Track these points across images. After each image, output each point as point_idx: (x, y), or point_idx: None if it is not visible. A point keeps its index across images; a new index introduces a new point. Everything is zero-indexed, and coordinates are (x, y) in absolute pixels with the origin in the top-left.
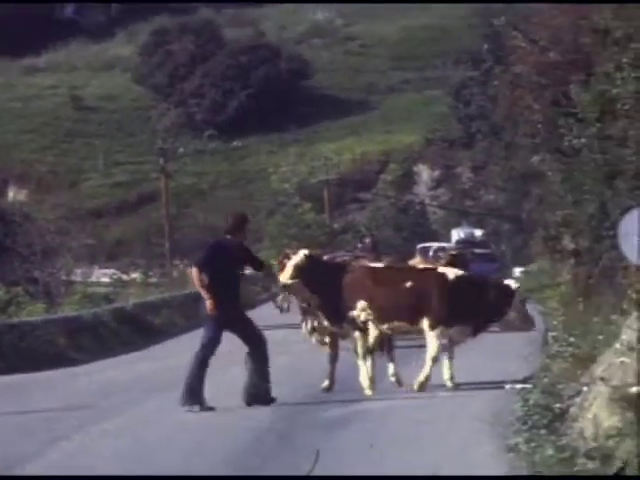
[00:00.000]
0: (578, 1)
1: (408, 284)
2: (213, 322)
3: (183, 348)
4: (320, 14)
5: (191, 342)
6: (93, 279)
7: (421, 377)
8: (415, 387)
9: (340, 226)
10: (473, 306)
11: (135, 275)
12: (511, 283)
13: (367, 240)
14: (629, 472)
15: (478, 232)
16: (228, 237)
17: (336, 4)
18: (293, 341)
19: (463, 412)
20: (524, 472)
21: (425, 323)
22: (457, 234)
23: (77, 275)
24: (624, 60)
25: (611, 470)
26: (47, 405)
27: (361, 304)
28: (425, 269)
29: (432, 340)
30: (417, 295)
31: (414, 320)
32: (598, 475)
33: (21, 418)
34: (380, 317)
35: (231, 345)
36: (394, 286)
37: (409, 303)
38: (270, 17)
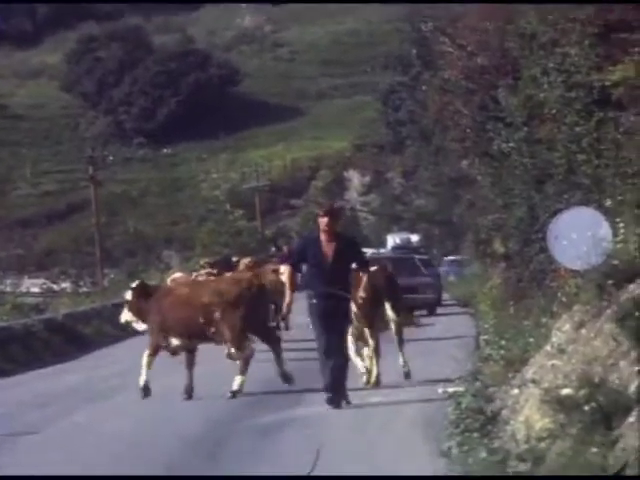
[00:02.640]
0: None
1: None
2: None
3: (114, 358)
4: (249, 20)
5: (122, 352)
6: (22, 289)
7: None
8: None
9: (272, 232)
10: None
11: (65, 285)
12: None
13: (284, 248)
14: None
15: (414, 237)
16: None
17: (265, 10)
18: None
19: (397, 417)
20: (457, 474)
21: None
22: (393, 240)
23: (6, 285)
24: (550, 65)
25: (541, 471)
26: None
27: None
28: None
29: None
30: None
31: None
32: (598, 475)
33: None
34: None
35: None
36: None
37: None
38: (199, 23)
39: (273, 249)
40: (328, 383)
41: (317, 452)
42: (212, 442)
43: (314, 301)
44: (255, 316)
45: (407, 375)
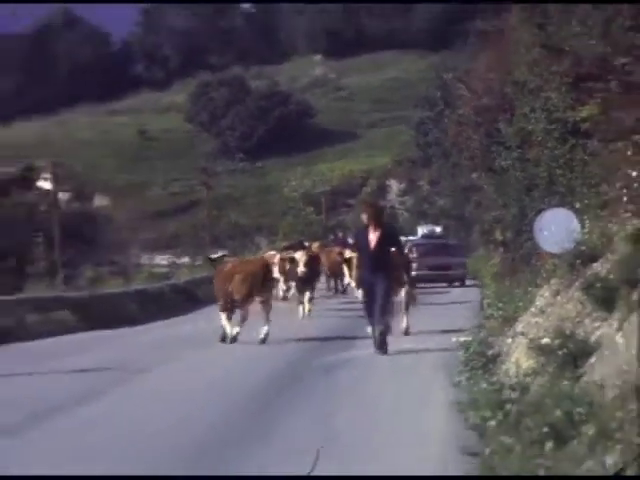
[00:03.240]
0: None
1: None
2: None
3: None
4: (318, 70)
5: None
6: (155, 262)
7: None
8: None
9: (332, 224)
10: None
11: (185, 259)
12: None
13: (340, 235)
14: (629, 472)
15: (438, 228)
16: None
17: (331, 63)
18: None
19: (421, 359)
20: (465, 401)
21: None
22: (422, 230)
23: (144, 259)
24: (537, 105)
25: (526, 399)
26: (118, 353)
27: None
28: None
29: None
30: None
31: None
32: (599, 475)
33: (104, 359)
34: None
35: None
36: None
37: None
38: (283, 72)
39: (332, 236)
40: (377, 334)
41: (317, 452)
42: (290, 377)
43: (364, 274)
44: (267, 284)
45: (406, 332)
